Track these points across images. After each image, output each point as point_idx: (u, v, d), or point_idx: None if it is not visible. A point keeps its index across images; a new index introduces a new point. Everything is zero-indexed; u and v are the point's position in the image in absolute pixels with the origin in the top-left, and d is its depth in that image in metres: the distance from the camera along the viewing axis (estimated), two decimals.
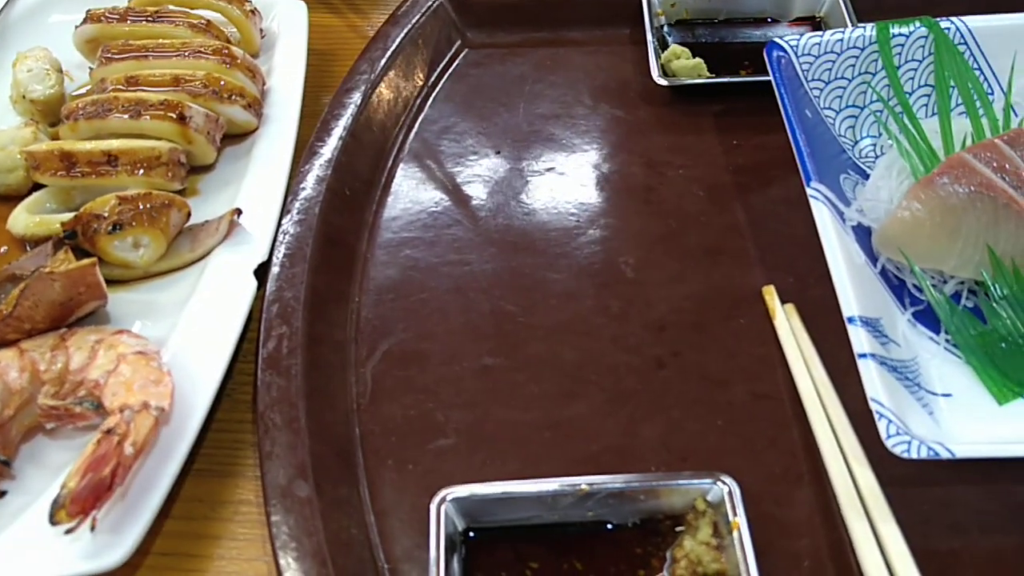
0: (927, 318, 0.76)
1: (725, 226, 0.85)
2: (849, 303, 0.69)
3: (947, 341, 0.75)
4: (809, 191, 0.75)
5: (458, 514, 0.65)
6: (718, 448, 0.71)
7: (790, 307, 0.78)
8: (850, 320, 0.68)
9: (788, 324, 0.77)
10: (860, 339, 0.67)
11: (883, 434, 0.62)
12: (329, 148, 0.88)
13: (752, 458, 0.70)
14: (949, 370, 0.73)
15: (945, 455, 0.61)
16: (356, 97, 0.92)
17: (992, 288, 0.75)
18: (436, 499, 0.64)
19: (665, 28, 1.02)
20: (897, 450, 0.62)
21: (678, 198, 0.88)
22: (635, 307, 0.79)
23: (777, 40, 0.86)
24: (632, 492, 0.65)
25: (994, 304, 0.75)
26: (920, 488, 0.68)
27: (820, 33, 0.86)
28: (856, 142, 0.88)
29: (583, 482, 0.65)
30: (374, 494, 0.69)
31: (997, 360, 0.73)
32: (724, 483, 0.65)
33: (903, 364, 0.71)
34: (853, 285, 0.70)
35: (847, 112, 0.88)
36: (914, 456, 0.61)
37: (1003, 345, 0.74)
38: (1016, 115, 0.86)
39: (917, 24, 0.86)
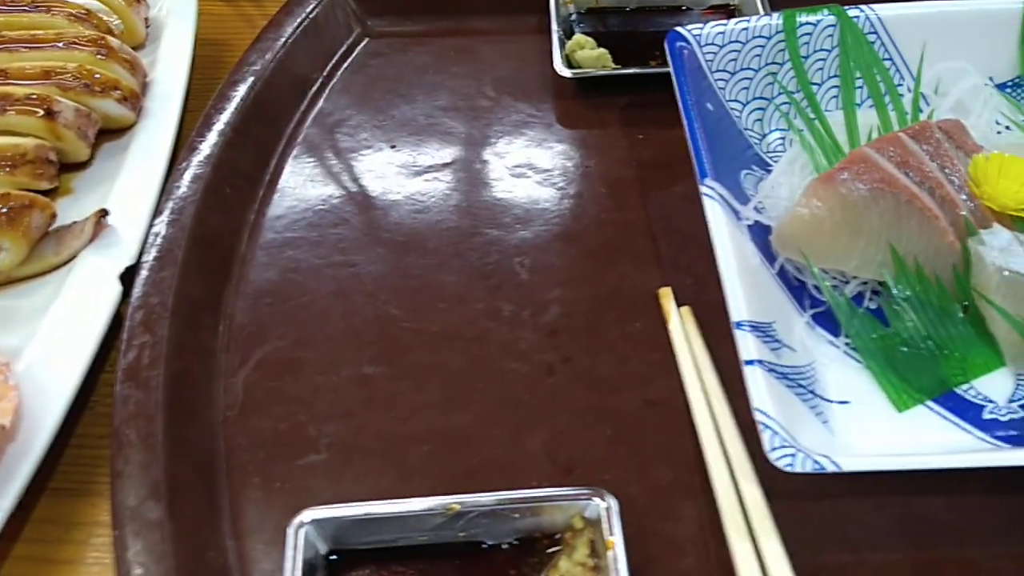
0: (827, 321, 0.72)
1: (626, 224, 0.82)
2: (738, 307, 0.65)
3: (847, 345, 0.71)
4: (702, 188, 0.71)
5: (319, 537, 0.61)
6: (605, 460, 0.67)
7: (686, 310, 0.74)
8: (738, 325, 0.64)
9: (683, 328, 0.73)
10: (748, 345, 0.64)
11: (766, 446, 0.59)
12: (209, 144, 0.83)
13: (640, 470, 0.67)
14: (848, 376, 0.70)
15: (831, 468, 0.58)
16: (242, 90, 0.87)
17: (894, 289, 0.72)
18: (294, 522, 0.60)
19: (574, 17, 0.97)
20: (781, 463, 0.58)
21: (580, 195, 0.84)
22: (527, 310, 0.76)
23: (679, 30, 0.82)
24: (505, 511, 0.61)
25: (896, 306, 0.72)
26: (812, 502, 0.65)
27: (724, 22, 0.82)
28: (764, 136, 0.84)
29: (453, 501, 0.61)
30: (236, 515, 0.65)
31: (897, 365, 0.70)
32: (602, 499, 0.61)
33: (797, 370, 0.67)
34: (744, 288, 0.67)
35: (754, 104, 0.84)
36: (798, 470, 0.58)
37: (904, 349, 0.70)
38: (927, 107, 0.82)
39: (825, 12, 0.83)
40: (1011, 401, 0.68)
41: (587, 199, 0.83)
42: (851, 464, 0.59)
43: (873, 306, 0.73)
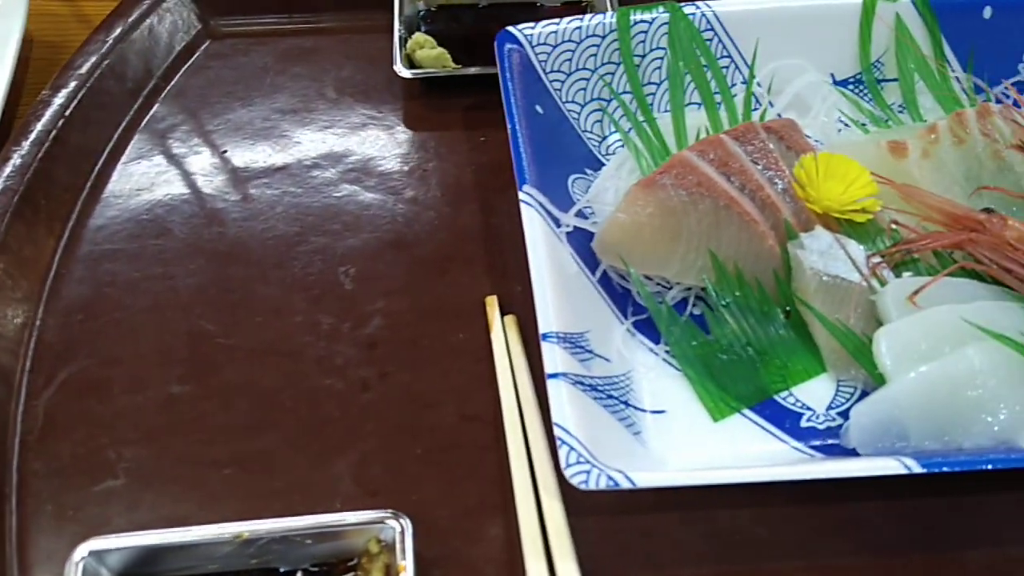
0: (649, 328, 0.71)
1: (460, 230, 0.79)
2: (547, 319, 0.63)
3: (667, 353, 0.70)
4: (520, 195, 0.69)
5: (104, 568, 0.58)
6: (414, 479, 0.65)
7: (510, 319, 0.72)
8: (544, 337, 0.63)
9: (504, 338, 0.71)
10: (554, 357, 0.62)
11: (562, 462, 0.57)
12: (24, 153, 0.79)
13: (448, 489, 0.65)
14: (666, 385, 0.69)
15: (625, 485, 0.56)
16: (63, 96, 0.83)
17: (715, 295, 0.70)
18: (74, 555, 0.57)
19: (422, 14, 0.95)
20: (575, 480, 0.56)
21: (414, 200, 0.81)
22: (348, 323, 0.73)
23: (510, 29, 0.80)
24: (296, 537, 0.59)
25: (716, 312, 0.70)
26: (620, 517, 0.63)
27: (557, 21, 0.80)
28: (604, 138, 0.82)
29: (242, 528, 0.59)
30: (24, 546, 0.62)
31: (715, 372, 0.68)
32: (397, 522, 0.59)
33: (610, 381, 0.66)
34: (557, 298, 0.65)
35: (593, 106, 0.82)
36: (592, 487, 0.56)
37: (723, 356, 0.69)
38: (759, 107, 0.81)
39: (660, 10, 0.81)
40: (830, 408, 0.68)
41: (422, 204, 0.81)
42: (646, 480, 0.57)
43: (698, 312, 0.72)
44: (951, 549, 0.62)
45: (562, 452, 0.57)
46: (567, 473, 0.57)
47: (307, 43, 0.94)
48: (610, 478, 0.56)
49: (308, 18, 0.97)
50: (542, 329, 0.63)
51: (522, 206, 0.69)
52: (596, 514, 0.63)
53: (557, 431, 0.58)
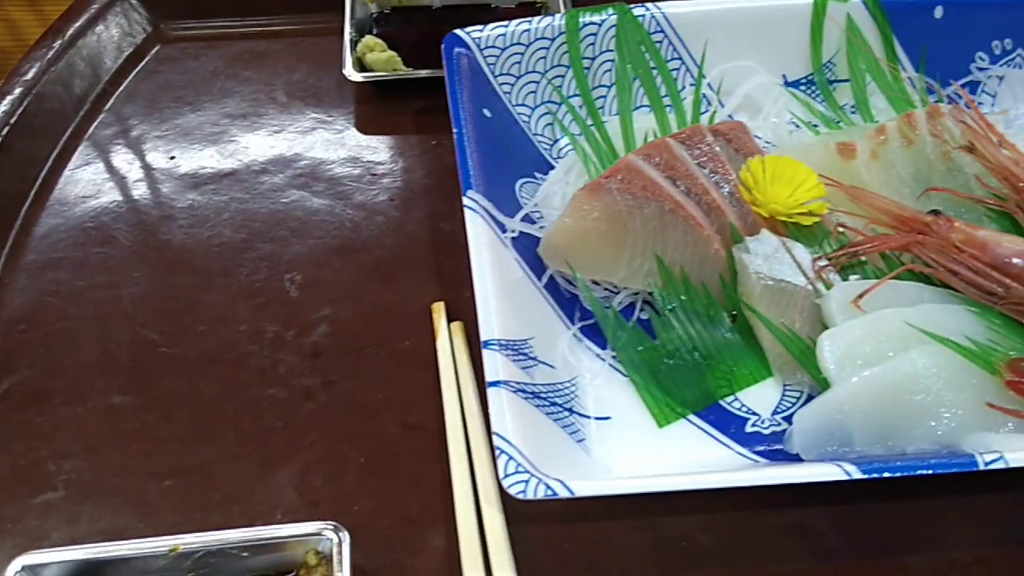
0: (596, 333, 0.70)
1: (409, 235, 0.79)
2: (489, 326, 0.63)
3: (613, 358, 0.69)
4: (464, 201, 0.69)
5: None
6: (356, 489, 0.65)
7: (457, 325, 0.72)
8: (486, 344, 0.62)
9: (450, 345, 0.70)
10: (495, 365, 0.61)
11: (500, 472, 0.56)
12: None
13: (390, 499, 0.64)
14: (612, 391, 0.68)
15: (564, 494, 0.56)
16: (8, 103, 0.82)
17: (661, 299, 0.70)
18: (8, 569, 0.56)
19: (375, 16, 0.94)
20: (513, 490, 0.56)
21: (363, 205, 0.81)
22: (293, 331, 0.72)
23: (458, 32, 0.79)
24: (232, 549, 0.58)
25: (663, 317, 0.70)
26: (564, 525, 0.63)
27: (505, 23, 0.79)
28: (555, 141, 0.82)
29: (177, 542, 0.58)
30: None
31: (661, 378, 0.68)
32: (335, 533, 0.58)
33: (553, 388, 0.65)
34: (499, 305, 0.64)
35: (544, 109, 0.81)
36: (531, 496, 0.56)
37: (669, 361, 0.69)
38: (709, 108, 0.80)
39: (610, 11, 0.80)
40: (775, 413, 0.67)
41: (370, 209, 0.80)
42: (585, 488, 0.57)
43: (645, 317, 0.71)
44: (896, 554, 0.62)
45: (500, 462, 0.57)
46: (505, 483, 0.56)
47: (259, 46, 0.94)
48: (548, 487, 0.56)
49: (260, 21, 0.96)
50: (483, 336, 0.62)
51: (466, 211, 0.68)
52: (540, 523, 0.62)
53: (496, 440, 0.58)
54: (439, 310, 0.72)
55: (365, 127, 0.87)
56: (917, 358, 0.62)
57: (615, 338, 0.69)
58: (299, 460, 0.66)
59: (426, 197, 0.81)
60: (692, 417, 0.67)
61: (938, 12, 0.82)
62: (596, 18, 0.80)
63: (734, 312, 0.70)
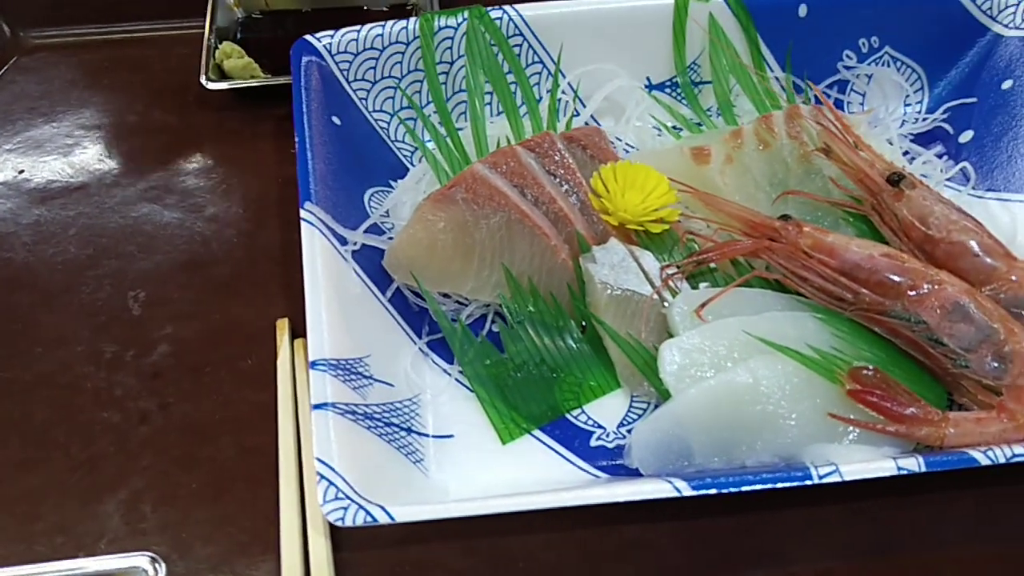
0: (444, 347, 0.69)
1: (259, 248, 0.76)
2: (320, 345, 0.61)
3: (460, 373, 0.67)
4: (301, 213, 0.66)
5: None
6: (186, 516, 0.62)
7: (300, 342, 0.69)
8: (313, 365, 0.60)
9: (292, 363, 0.68)
10: (323, 386, 0.59)
11: (320, 499, 0.54)
12: None
13: (220, 526, 0.62)
14: (457, 407, 0.66)
15: (384, 520, 0.54)
16: None
17: (510, 311, 0.68)
18: None
19: (242, 21, 0.91)
20: (332, 517, 0.54)
21: (215, 217, 0.78)
22: (132, 351, 0.70)
23: (307, 38, 0.77)
24: None
25: (511, 330, 0.68)
26: (400, 549, 0.61)
27: (358, 28, 0.77)
28: (416, 148, 0.79)
29: None
30: None
31: (508, 392, 0.66)
32: (152, 566, 0.56)
33: (389, 408, 0.63)
34: (333, 322, 0.62)
35: (404, 115, 0.79)
36: (349, 523, 0.54)
37: (517, 375, 0.67)
38: (567, 114, 0.79)
39: (465, 15, 0.78)
40: (620, 426, 0.66)
41: (222, 222, 0.78)
42: (407, 514, 0.55)
43: (496, 330, 0.69)
44: (735, 569, 0.61)
45: (320, 488, 0.55)
46: (324, 510, 0.54)
47: (121, 54, 0.91)
48: (369, 514, 0.54)
49: (125, 28, 0.93)
50: (312, 356, 0.60)
51: (302, 225, 0.66)
52: (373, 548, 0.61)
53: (318, 466, 0.56)
54: (283, 327, 0.70)
55: (223, 136, 0.84)
56: (756, 368, 0.61)
57: (462, 352, 0.67)
58: (129, 486, 0.63)
59: (279, 207, 0.79)
60: (537, 432, 0.65)
61: (802, 10, 0.80)
62: (451, 22, 0.78)
63: (584, 323, 0.68)
